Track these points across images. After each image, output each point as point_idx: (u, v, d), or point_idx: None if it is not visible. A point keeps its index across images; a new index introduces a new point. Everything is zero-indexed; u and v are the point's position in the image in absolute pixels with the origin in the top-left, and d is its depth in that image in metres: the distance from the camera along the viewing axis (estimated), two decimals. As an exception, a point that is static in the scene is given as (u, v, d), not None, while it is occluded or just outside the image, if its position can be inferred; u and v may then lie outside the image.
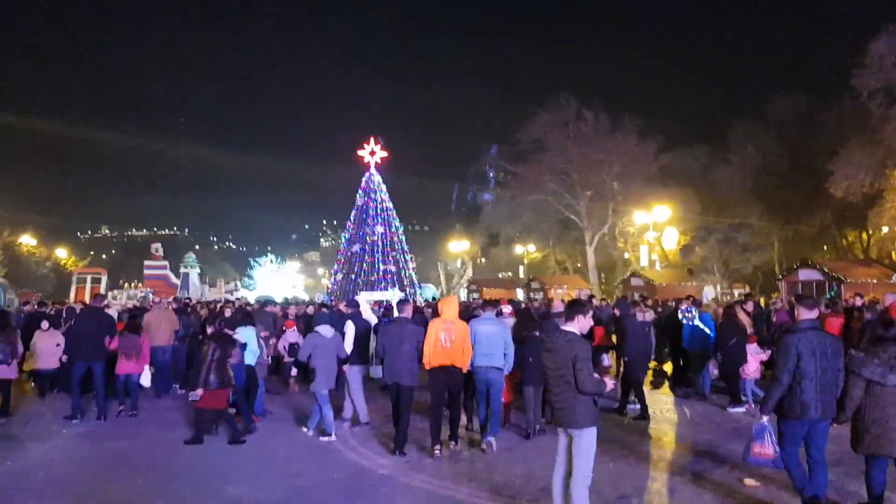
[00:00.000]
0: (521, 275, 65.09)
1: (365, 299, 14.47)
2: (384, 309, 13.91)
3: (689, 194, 43.19)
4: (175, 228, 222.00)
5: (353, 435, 9.87)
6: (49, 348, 12.47)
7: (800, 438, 6.23)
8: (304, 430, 9.87)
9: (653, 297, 25.21)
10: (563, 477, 5.71)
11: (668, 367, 15.41)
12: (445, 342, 8.61)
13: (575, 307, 5.99)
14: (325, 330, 9.72)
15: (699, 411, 11.60)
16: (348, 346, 10.14)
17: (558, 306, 13.16)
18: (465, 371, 8.84)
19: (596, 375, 5.64)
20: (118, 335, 11.35)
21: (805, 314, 6.29)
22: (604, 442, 6.44)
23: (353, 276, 27.00)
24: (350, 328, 10.39)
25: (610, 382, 5.93)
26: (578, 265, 57.09)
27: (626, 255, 51.36)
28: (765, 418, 6.39)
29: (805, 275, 31.07)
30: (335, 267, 30.77)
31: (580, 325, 5.81)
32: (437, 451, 8.49)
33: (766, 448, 6.41)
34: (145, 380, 11.34)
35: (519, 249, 64.05)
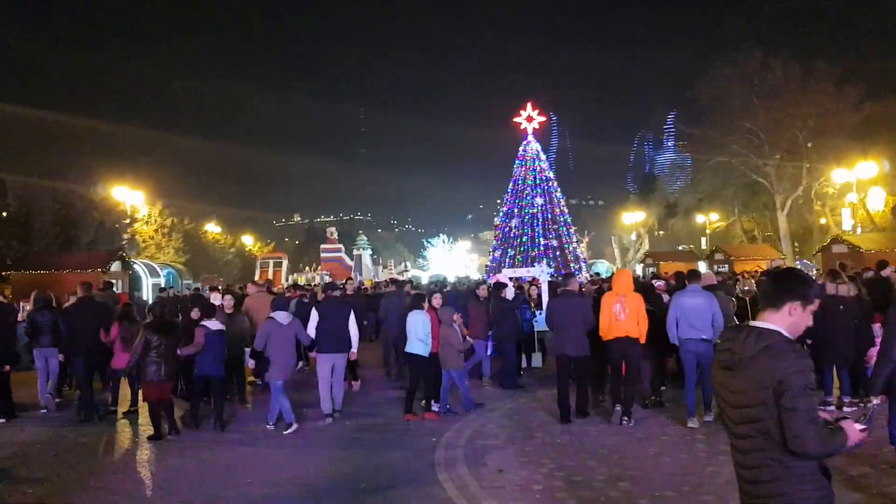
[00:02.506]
0: (704, 246, 61.37)
1: (508, 276, 13.01)
2: (494, 286, 12.94)
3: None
4: (359, 213, 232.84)
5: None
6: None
7: None
8: (267, 426, 9.24)
9: (861, 265, 21.51)
10: None
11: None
12: (619, 315, 8.84)
13: (785, 284, 3.00)
14: (281, 316, 9.31)
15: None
16: (311, 331, 9.73)
17: (708, 278, 11.05)
18: (642, 342, 8.91)
19: (824, 415, 2.86)
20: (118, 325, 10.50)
21: None
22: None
23: (511, 253, 25.54)
24: (314, 316, 9.91)
25: (857, 434, 2.80)
26: (768, 233, 52.11)
27: (823, 221, 45.81)
28: (875, 399, 5.74)
29: None
30: (493, 244, 29.47)
31: (793, 320, 2.92)
32: (625, 421, 8.77)
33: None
34: None
35: (700, 219, 60.11)
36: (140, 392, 10.10)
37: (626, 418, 8.79)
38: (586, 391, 9.49)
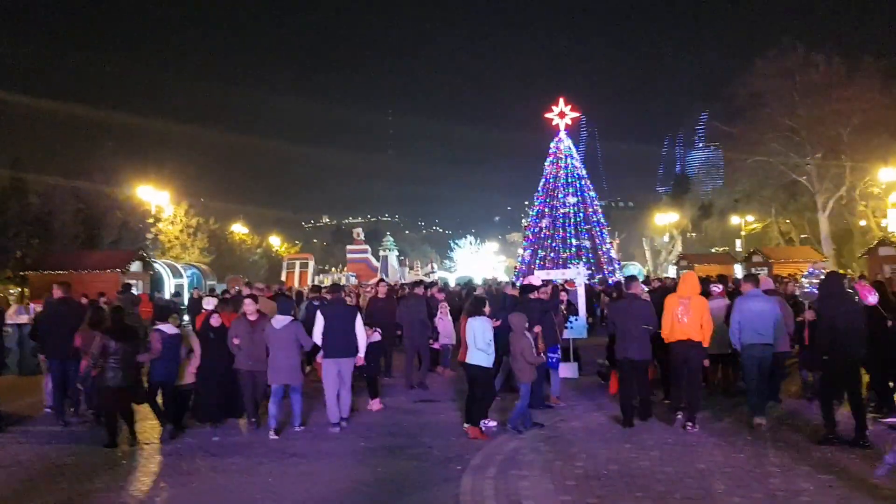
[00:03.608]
0: (738, 248, 59.83)
1: (541, 279, 11.95)
2: (521, 287, 11.99)
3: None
4: (387, 214, 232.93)
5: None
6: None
7: None
8: (271, 434, 8.97)
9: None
10: None
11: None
12: (682, 317, 8.76)
13: None
14: (277, 320, 9.24)
15: None
16: (317, 336, 9.46)
17: (766, 283, 10.73)
18: (705, 345, 8.82)
19: None
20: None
21: None
22: None
23: (542, 253, 24.48)
24: (318, 319, 9.54)
25: None
26: (804, 235, 50.36)
27: (863, 223, 43.97)
28: None
29: None
30: (524, 244, 28.41)
31: None
32: (689, 426, 8.65)
33: None
34: None
35: (735, 220, 58.51)
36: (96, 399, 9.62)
37: (689, 423, 8.70)
38: (649, 395, 9.53)
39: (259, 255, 55.26)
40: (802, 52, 39.71)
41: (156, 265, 28.36)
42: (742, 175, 45.63)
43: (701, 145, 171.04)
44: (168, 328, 9.20)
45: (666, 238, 65.46)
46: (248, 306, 9.63)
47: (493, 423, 9.14)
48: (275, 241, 63.69)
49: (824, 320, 8.21)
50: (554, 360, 10.54)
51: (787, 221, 52.79)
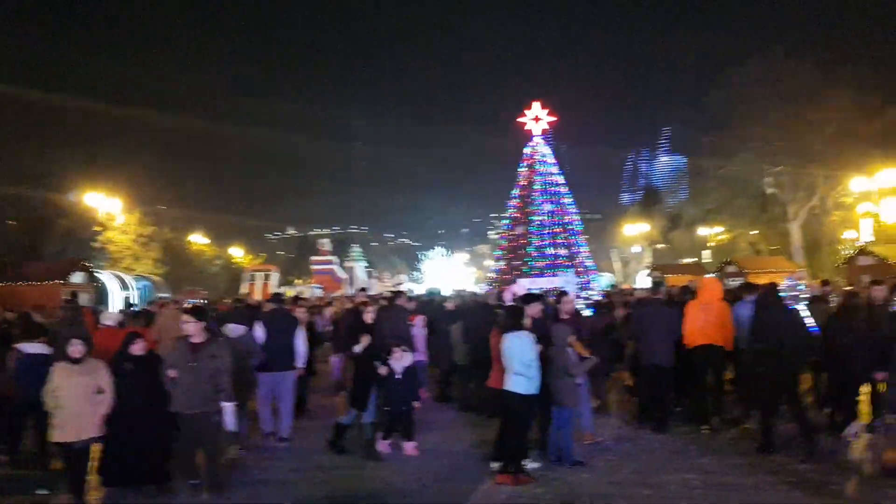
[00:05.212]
0: (707, 259, 59.72)
1: (527, 288, 10.62)
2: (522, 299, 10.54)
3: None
4: (354, 226, 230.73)
5: None
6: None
7: None
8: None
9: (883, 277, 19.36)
10: None
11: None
12: (703, 323, 8.99)
13: None
14: (231, 329, 8.50)
15: None
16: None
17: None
18: (728, 349, 9.05)
19: None
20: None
21: None
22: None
23: (516, 263, 23.18)
24: (258, 331, 8.94)
25: None
26: (773, 247, 50.12)
27: (839, 233, 43.72)
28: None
29: None
30: (497, 254, 27.13)
31: None
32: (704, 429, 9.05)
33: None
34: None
35: (703, 232, 58.27)
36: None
37: (706, 428, 9.09)
38: (668, 404, 9.58)
39: (219, 267, 53.21)
40: (777, 61, 39.36)
41: (101, 276, 26.48)
42: (714, 186, 45.18)
43: (666, 157, 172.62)
44: (31, 347, 7.87)
45: (638, 248, 65.19)
46: (190, 325, 7.27)
47: (536, 465, 7.66)
48: (236, 253, 61.49)
49: (762, 331, 8.26)
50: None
51: (756, 232, 52.53)
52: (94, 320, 15.09)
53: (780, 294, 9.09)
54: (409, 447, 8.54)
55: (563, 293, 9.73)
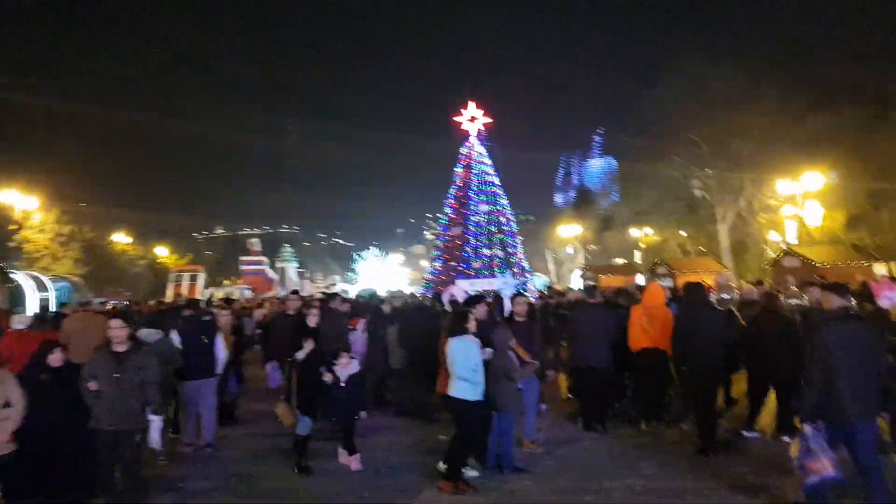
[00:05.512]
0: (637, 260, 60.93)
1: (464, 289, 10.35)
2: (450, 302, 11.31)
3: (843, 159, 36.64)
4: (285, 226, 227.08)
5: None
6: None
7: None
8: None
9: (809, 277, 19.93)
10: None
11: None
12: (647, 326, 9.15)
13: None
14: (146, 334, 8.27)
15: None
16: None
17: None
18: (670, 354, 8.96)
19: None
20: None
21: (837, 302, 5.74)
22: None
23: (453, 264, 22.89)
24: (174, 337, 8.74)
25: None
26: (701, 248, 51.46)
27: (768, 234, 45.12)
28: (807, 428, 5.50)
29: None
30: (433, 254, 26.83)
31: None
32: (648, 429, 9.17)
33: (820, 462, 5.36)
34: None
35: (634, 233, 59.38)
36: None
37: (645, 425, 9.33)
38: (606, 405, 9.73)
39: (143, 267, 51.27)
40: (705, 66, 40.24)
41: (16, 277, 25.03)
42: (645, 188, 45.96)
43: (598, 160, 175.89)
44: None
45: (570, 250, 65.97)
46: (115, 329, 6.49)
47: (474, 473, 7.37)
48: (162, 252, 59.38)
49: (682, 331, 8.43)
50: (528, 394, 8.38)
51: (684, 234, 53.76)
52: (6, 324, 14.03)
53: (701, 295, 9.08)
54: (354, 461, 8.02)
55: (520, 294, 9.65)
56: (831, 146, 37.03)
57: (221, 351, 8.98)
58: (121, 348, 6.46)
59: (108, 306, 18.13)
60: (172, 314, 11.09)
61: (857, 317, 5.79)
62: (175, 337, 8.72)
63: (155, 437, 6.59)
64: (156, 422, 6.57)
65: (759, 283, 17.22)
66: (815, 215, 40.08)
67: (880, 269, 30.88)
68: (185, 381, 8.72)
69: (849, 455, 5.52)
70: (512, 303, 9.12)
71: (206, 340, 8.84)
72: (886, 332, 7.57)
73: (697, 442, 8.26)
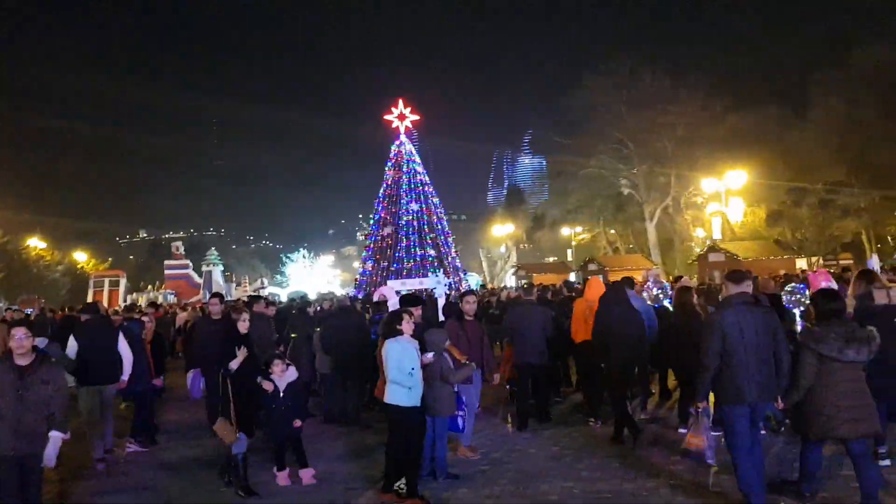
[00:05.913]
0: (569, 258, 61.74)
1: (395, 289, 10.00)
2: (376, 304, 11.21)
3: (763, 158, 37.92)
4: (212, 229, 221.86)
5: None
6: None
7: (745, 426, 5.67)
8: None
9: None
10: None
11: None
12: (589, 319, 9.02)
13: None
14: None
15: None
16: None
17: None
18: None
19: None
20: None
21: (734, 289, 5.88)
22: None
23: (384, 264, 22.47)
24: (71, 343, 8.40)
25: None
26: (631, 245, 52.50)
27: (694, 232, 46.28)
28: (701, 405, 5.95)
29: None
30: (364, 255, 26.33)
31: None
32: (592, 422, 9.27)
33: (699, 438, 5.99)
34: None
35: (566, 231, 60.16)
36: None
37: (592, 420, 9.33)
38: (547, 397, 9.99)
39: (60, 273, 48.96)
40: (630, 66, 41.00)
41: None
42: (574, 186, 46.55)
43: (528, 159, 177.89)
44: None
45: (503, 249, 66.34)
46: (19, 339, 5.64)
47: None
48: (81, 257, 56.82)
49: (600, 326, 8.58)
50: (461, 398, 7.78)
51: (613, 231, 54.73)
52: None
53: (620, 290, 9.10)
54: (307, 475, 7.47)
55: (469, 292, 9.46)
56: (753, 144, 38.29)
57: (127, 355, 8.67)
58: (24, 361, 5.63)
59: (7, 313, 16.89)
60: (68, 320, 10.60)
61: (752, 303, 5.88)
62: (72, 343, 8.32)
63: (52, 452, 5.88)
64: (55, 438, 5.90)
65: (678, 278, 17.40)
66: (738, 212, 41.44)
67: (801, 263, 32.03)
68: (85, 388, 8.40)
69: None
70: (462, 301, 8.74)
71: (106, 346, 8.52)
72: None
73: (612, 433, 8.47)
